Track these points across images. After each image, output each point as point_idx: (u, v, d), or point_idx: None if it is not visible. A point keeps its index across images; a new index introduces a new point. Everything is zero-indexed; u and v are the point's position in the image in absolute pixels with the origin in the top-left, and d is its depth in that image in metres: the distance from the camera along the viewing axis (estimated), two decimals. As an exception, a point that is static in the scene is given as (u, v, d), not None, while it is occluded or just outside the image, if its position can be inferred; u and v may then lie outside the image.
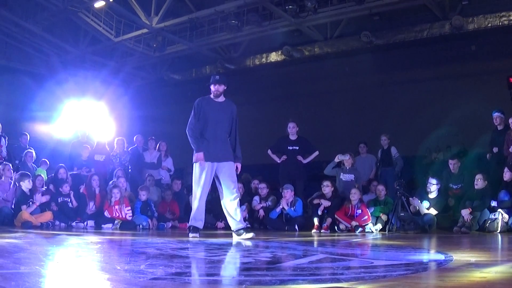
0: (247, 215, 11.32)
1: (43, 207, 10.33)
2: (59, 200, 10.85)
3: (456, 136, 15.15)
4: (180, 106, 22.21)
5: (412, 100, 17.43)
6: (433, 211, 9.89)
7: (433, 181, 10.17)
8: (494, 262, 4.39)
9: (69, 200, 10.88)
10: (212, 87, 7.71)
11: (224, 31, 17.52)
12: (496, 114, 10.98)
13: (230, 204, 7.58)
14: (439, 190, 10.22)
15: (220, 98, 7.78)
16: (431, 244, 6.96)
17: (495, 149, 10.65)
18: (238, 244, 6.57)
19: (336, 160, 11.43)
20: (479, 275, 3.43)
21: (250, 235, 7.45)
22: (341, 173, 11.20)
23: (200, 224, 7.67)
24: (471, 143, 13.66)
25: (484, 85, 15.99)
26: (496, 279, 3.33)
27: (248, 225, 7.80)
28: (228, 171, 7.63)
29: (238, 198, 7.79)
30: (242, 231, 7.46)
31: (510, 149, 10.11)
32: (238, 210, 7.66)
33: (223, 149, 7.66)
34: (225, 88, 7.71)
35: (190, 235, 7.46)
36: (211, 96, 7.79)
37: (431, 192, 10.14)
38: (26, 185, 10.42)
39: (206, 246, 5.97)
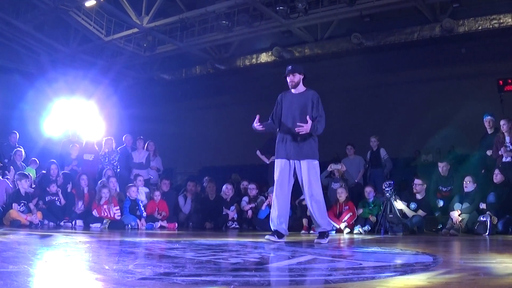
0: (235, 216, 11.36)
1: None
2: (47, 199, 10.81)
3: (446, 138, 15.18)
4: (170, 106, 22.25)
5: (402, 102, 17.49)
6: (421, 213, 9.93)
7: (418, 181, 10.22)
8: (483, 264, 4.40)
9: (57, 199, 10.84)
10: (287, 79, 7.16)
11: (214, 31, 17.54)
12: (488, 118, 10.97)
13: (309, 204, 6.91)
14: (426, 191, 10.26)
15: (297, 89, 7.14)
16: (419, 245, 6.97)
17: (488, 152, 10.65)
18: (227, 244, 6.56)
19: (329, 169, 11.56)
20: (468, 277, 3.44)
21: (326, 240, 6.79)
22: (332, 182, 11.32)
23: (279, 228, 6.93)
24: (461, 145, 13.71)
25: (474, 88, 16.08)
26: (485, 281, 3.34)
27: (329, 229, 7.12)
28: (306, 170, 6.85)
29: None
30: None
31: (499, 152, 10.13)
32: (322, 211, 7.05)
33: (296, 146, 6.87)
34: (302, 77, 7.10)
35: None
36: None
37: (417, 193, 10.19)
38: (24, 185, 10.38)
39: (194, 246, 5.95)
